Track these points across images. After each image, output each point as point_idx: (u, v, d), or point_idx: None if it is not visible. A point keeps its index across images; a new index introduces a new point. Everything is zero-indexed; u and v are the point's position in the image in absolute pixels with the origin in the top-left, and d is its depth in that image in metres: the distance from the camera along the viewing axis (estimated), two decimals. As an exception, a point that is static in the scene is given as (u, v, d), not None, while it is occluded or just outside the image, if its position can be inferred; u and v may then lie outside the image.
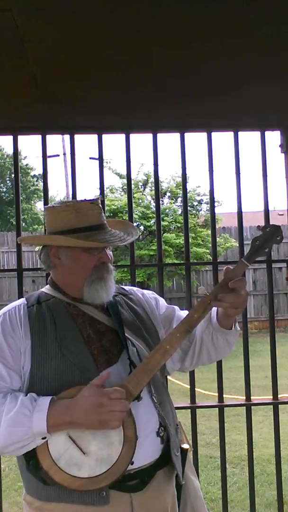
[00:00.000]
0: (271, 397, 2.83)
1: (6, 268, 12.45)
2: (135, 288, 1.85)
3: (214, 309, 1.63)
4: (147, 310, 1.74)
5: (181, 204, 8.51)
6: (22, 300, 1.66)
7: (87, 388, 1.44)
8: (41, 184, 18.81)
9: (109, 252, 1.64)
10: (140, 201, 11.72)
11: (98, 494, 1.45)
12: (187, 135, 2.79)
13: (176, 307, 1.81)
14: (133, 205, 2.87)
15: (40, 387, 1.49)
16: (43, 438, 1.42)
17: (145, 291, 1.84)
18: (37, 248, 1.69)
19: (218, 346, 1.67)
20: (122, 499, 1.48)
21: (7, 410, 1.43)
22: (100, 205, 1.66)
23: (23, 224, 19.84)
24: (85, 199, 1.66)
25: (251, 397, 2.82)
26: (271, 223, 1.92)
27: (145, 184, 12.38)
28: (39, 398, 1.44)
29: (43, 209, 1.76)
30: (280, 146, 2.89)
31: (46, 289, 1.69)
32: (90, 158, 18.77)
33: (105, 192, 3.55)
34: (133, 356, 1.56)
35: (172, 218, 11.57)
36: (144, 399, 1.53)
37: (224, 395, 2.83)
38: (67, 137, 2.83)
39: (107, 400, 1.40)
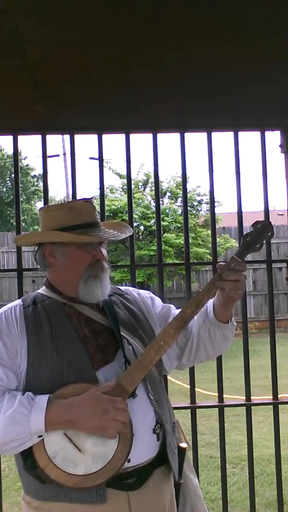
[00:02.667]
0: (271, 397, 2.83)
1: (6, 268, 12.46)
2: (131, 288, 1.86)
3: (210, 304, 1.64)
4: (143, 309, 1.75)
5: (181, 204, 8.51)
6: (18, 301, 1.67)
7: (92, 391, 1.45)
8: (41, 184, 18.81)
9: (104, 250, 1.66)
10: (140, 201, 11.73)
11: (95, 492, 1.45)
12: (187, 135, 2.79)
13: (172, 306, 1.82)
14: (133, 205, 2.87)
15: (36, 386, 1.49)
16: (39, 436, 1.43)
17: (141, 291, 1.86)
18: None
19: (216, 341, 1.68)
20: (119, 498, 1.48)
21: (5, 409, 1.43)
22: (95, 204, 1.69)
23: (23, 224, 19.82)
24: (80, 199, 1.68)
25: (251, 397, 2.82)
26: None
27: (145, 184, 12.38)
28: (36, 397, 1.45)
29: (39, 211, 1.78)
30: (280, 146, 2.89)
31: (42, 290, 1.70)
32: (90, 158, 18.76)
33: (105, 192, 3.55)
34: (129, 354, 1.56)
35: (172, 218, 11.58)
36: (140, 396, 1.53)
37: (224, 395, 2.83)
38: (67, 137, 2.83)
39: (113, 408, 1.41)
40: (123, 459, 1.45)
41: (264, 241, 1.61)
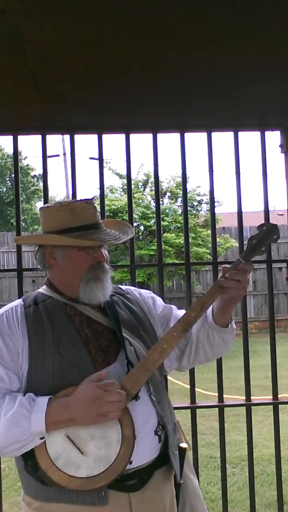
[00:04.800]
0: (271, 397, 2.83)
1: (6, 268, 12.47)
2: (132, 288, 1.85)
3: (210, 307, 1.64)
4: (144, 310, 1.75)
5: (181, 204, 8.51)
6: (19, 301, 1.66)
7: (83, 384, 1.44)
8: (41, 184, 18.80)
9: (105, 251, 1.64)
10: (140, 201, 11.73)
11: (97, 494, 1.45)
12: (187, 135, 2.79)
13: (173, 306, 1.81)
14: (133, 205, 2.87)
15: (38, 387, 1.49)
16: (41, 438, 1.43)
17: (142, 291, 1.85)
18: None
19: (215, 344, 1.68)
20: (120, 499, 1.48)
21: (6, 411, 1.43)
22: (96, 205, 1.67)
23: (23, 224, 19.84)
24: (81, 199, 1.67)
25: (251, 397, 2.82)
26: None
27: (145, 184, 12.39)
28: (37, 398, 1.45)
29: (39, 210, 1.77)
30: (280, 146, 2.89)
31: (43, 289, 1.69)
32: (90, 158, 18.75)
33: (105, 192, 3.55)
34: (131, 355, 1.56)
35: (172, 218, 11.59)
36: (143, 398, 1.53)
37: (224, 395, 2.83)
38: (67, 137, 2.83)
39: (103, 392, 1.41)
40: (125, 462, 1.44)
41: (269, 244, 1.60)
